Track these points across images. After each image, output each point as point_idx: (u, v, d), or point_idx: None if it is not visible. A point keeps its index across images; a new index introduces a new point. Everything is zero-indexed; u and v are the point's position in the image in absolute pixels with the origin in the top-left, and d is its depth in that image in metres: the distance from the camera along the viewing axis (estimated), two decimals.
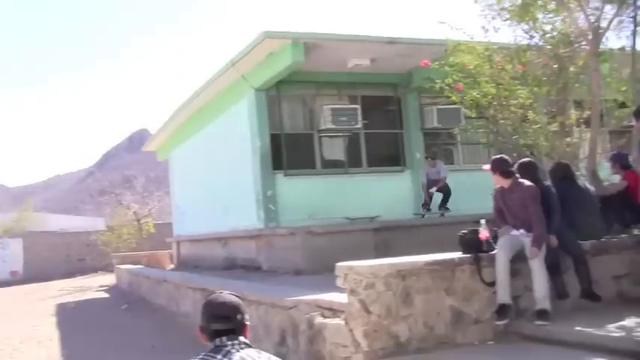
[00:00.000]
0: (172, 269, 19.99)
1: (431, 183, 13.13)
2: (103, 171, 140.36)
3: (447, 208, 13.06)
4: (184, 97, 16.20)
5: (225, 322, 2.71)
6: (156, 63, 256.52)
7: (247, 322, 2.79)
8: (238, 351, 2.65)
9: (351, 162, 14.01)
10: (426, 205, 13.20)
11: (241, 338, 2.72)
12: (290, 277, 10.77)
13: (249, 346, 2.72)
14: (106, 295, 19.64)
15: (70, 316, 14.87)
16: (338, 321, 6.12)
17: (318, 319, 6.50)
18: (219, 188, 15.83)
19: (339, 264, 6.10)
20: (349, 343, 5.86)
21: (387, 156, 14.43)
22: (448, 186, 13.06)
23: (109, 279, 24.04)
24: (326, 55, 12.35)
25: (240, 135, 13.85)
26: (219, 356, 2.63)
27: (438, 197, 13.21)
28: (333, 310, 6.37)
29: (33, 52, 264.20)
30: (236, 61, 12.82)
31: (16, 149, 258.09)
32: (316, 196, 12.99)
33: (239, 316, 2.74)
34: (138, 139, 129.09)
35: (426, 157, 13.57)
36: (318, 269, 9.94)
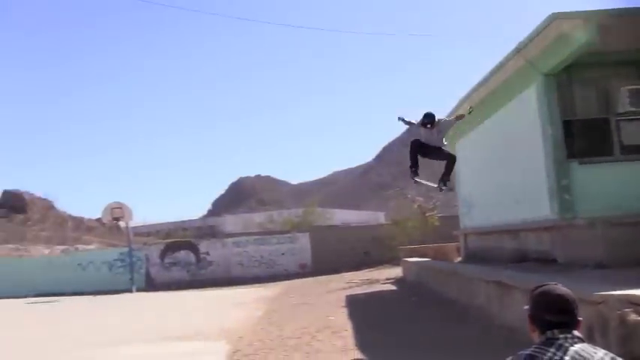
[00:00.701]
0: (460, 262, 19.95)
1: (433, 150, 11.72)
2: (381, 166, 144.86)
3: (449, 180, 11.97)
4: (468, 88, 16.14)
5: (561, 314, 2.60)
6: (432, 54, 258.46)
7: (580, 318, 2.66)
8: (572, 345, 2.52)
9: None
10: (413, 167, 11.89)
11: (575, 332, 2.59)
12: (590, 270, 10.13)
13: (582, 340, 2.58)
14: (394, 288, 19.99)
15: (360, 308, 15.24)
16: None
17: (633, 316, 6.04)
18: (507, 179, 15.47)
19: None
20: None
21: None
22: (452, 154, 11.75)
23: (395, 272, 24.47)
24: (621, 33, 11.45)
25: (528, 123, 13.39)
26: (552, 349, 2.52)
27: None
28: None
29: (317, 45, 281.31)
30: (522, 47, 12.43)
31: (298, 147, 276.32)
32: (616, 185, 12.08)
33: (574, 310, 2.62)
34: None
35: (424, 124, 11.56)
36: (622, 263, 9.31)
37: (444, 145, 11.90)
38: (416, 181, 12.42)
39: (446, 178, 12.14)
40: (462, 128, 19.39)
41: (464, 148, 20.22)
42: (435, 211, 32.50)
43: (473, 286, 12.31)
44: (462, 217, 21.31)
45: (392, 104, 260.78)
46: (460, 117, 12.52)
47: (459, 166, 21.19)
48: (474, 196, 19.39)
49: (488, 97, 15.81)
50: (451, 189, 12.68)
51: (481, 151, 18.12)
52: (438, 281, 16.23)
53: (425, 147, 11.73)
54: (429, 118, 11.42)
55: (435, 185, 12.57)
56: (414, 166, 12.02)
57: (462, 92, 16.79)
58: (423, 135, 11.70)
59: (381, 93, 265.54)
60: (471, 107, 12.80)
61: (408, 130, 12.41)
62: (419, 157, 11.99)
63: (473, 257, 18.97)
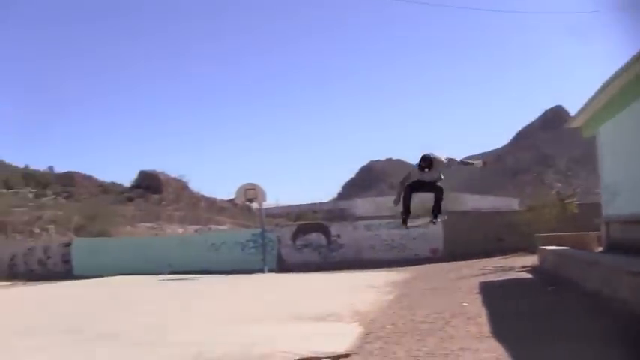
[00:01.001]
0: (601, 252, 19.03)
1: (426, 185, 11.47)
2: (516, 150, 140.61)
3: (440, 213, 11.72)
4: (616, 68, 15.18)
5: None
6: (567, 41, 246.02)
7: None
8: None
9: None
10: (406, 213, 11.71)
11: None
12: None
13: None
14: (530, 276, 19.31)
15: (495, 295, 14.81)
16: None
17: None
18: None
19: None
20: None
21: None
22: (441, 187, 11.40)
23: (530, 259, 23.65)
24: None
25: None
26: None
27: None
28: None
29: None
30: None
31: (430, 131, 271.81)
32: None
33: None
34: (552, 117, 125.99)
35: (421, 168, 11.15)
36: None
37: (439, 180, 11.76)
38: (407, 227, 12.60)
39: (436, 211, 12.07)
40: (608, 111, 18.38)
41: (608, 132, 19.19)
42: (575, 198, 31.10)
43: (616, 278, 11.64)
44: (605, 205, 20.23)
45: (531, 87, 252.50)
46: (467, 164, 12.41)
47: (602, 153, 20.21)
48: (618, 183, 18.33)
49: (637, 77, 14.82)
50: (444, 218, 12.74)
51: (628, 136, 17.05)
52: (577, 271, 15.51)
53: (420, 184, 11.70)
54: (425, 162, 11.23)
55: (428, 220, 12.66)
56: (406, 214, 12.01)
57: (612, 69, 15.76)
58: (420, 176, 11.62)
59: (521, 76, 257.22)
60: (485, 162, 12.86)
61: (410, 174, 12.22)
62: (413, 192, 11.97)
63: (615, 247, 18.01)
